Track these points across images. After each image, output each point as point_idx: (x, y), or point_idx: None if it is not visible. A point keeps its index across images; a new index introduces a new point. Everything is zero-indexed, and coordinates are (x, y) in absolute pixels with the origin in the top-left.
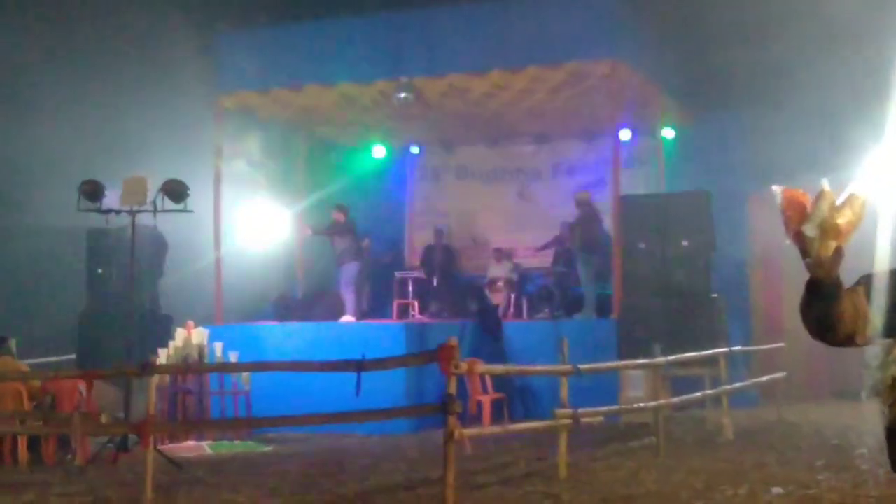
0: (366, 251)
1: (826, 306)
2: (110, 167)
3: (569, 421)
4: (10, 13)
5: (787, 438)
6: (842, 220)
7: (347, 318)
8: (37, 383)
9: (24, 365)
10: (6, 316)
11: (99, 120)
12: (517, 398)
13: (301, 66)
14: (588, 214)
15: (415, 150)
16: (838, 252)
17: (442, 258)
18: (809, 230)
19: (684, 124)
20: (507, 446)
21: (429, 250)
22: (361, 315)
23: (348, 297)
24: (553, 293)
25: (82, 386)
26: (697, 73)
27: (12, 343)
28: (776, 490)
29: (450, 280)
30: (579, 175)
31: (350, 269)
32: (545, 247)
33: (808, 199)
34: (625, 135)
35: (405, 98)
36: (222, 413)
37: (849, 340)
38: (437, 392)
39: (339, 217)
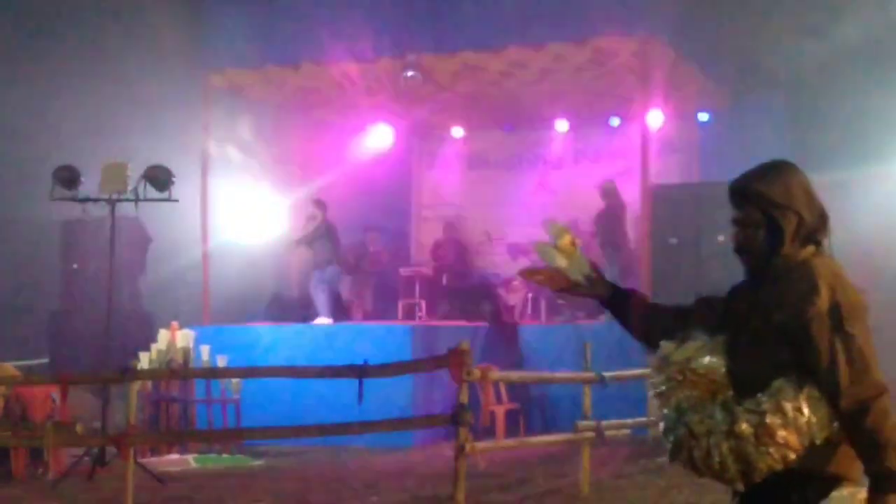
0: (369, 245)
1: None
2: (87, 152)
3: (592, 434)
4: None
5: None
6: (559, 261)
7: (322, 321)
8: (2, 389)
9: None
10: None
11: (74, 99)
12: (535, 408)
13: (297, 41)
14: (614, 206)
15: (422, 134)
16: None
17: (452, 254)
18: (575, 274)
19: (721, 107)
20: (524, 461)
21: (438, 246)
22: (363, 315)
23: (319, 298)
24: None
25: (55, 393)
26: (736, 51)
27: None
28: None
29: (461, 278)
30: (605, 163)
31: (326, 273)
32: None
33: (550, 259)
34: (656, 119)
35: (412, 77)
36: (209, 423)
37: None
38: (446, 401)
39: (316, 214)
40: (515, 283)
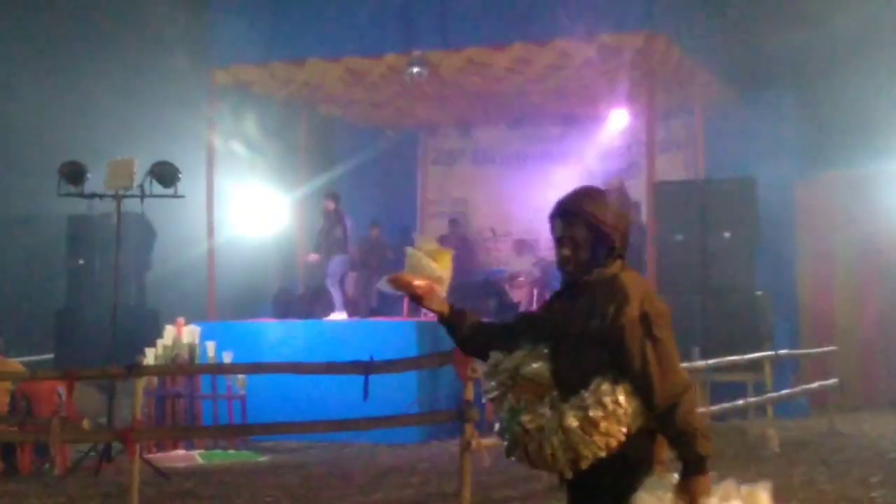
0: (375, 241)
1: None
2: (94, 148)
3: None
4: None
5: (838, 452)
6: (439, 272)
7: (337, 316)
8: (8, 385)
9: (17, 364)
10: None
11: (81, 96)
12: None
13: (303, 37)
14: (621, 203)
15: (428, 130)
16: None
17: (458, 250)
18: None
19: (726, 104)
20: None
21: (443, 242)
22: (369, 312)
23: (335, 293)
24: None
25: (61, 388)
26: (741, 48)
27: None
28: None
29: (466, 274)
30: (610, 160)
31: (336, 263)
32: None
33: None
34: (660, 115)
35: (418, 73)
36: (215, 419)
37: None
38: (452, 397)
39: (330, 206)
40: (521, 278)
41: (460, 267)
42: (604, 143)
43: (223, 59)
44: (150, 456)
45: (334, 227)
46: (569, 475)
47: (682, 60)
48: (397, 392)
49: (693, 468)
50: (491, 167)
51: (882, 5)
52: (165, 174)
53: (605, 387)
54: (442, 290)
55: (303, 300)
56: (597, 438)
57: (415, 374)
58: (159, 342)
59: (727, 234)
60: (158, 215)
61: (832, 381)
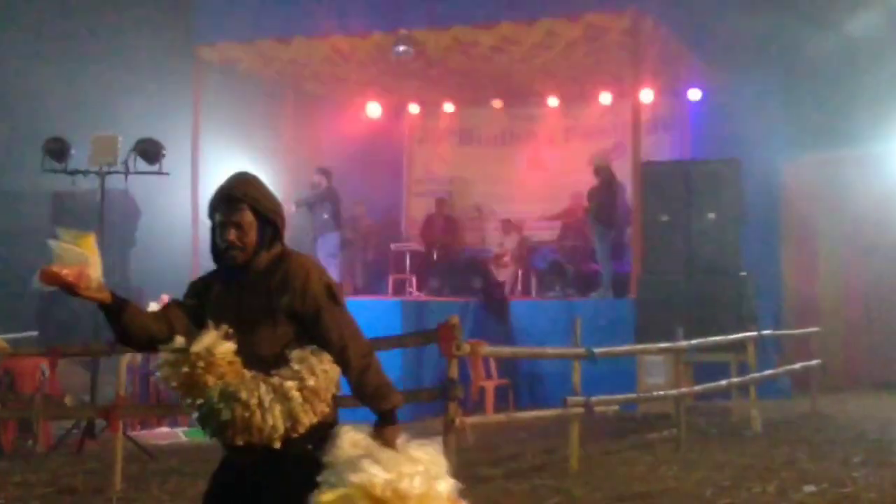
0: (359, 220)
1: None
2: (77, 124)
3: (581, 410)
4: None
5: (821, 432)
6: (86, 255)
7: None
8: None
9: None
10: None
11: (66, 72)
12: (524, 384)
13: (289, 15)
14: (607, 183)
15: (414, 109)
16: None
17: (443, 229)
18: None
19: (713, 85)
20: (513, 437)
21: (428, 221)
22: (353, 290)
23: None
24: (565, 269)
25: (45, 365)
26: (728, 29)
27: None
28: (808, 488)
29: (451, 254)
30: (596, 140)
31: (329, 241)
32: (556, 217)
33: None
34: (647, 96)
35: (404, 52)
36: None
37: (150, 346)
38: (436, 376)
39: (321, 181)
40: (506, 258)
41: (446, 246)
42: (590, 123)
43: (209, 37)
44: (134, 433)
45: (324, 203)
46: (277, 445)
47: (669, 41)
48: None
49: (388, 419)
50: (477, 147)
51: None
52: (150, 151)
53: (311, 357)
54: (95, 273)
55: None
56: (315, 404)
57: (399, 352)
58: None
59: (712, 215)
60: (143, 192)
61: (815, 361)
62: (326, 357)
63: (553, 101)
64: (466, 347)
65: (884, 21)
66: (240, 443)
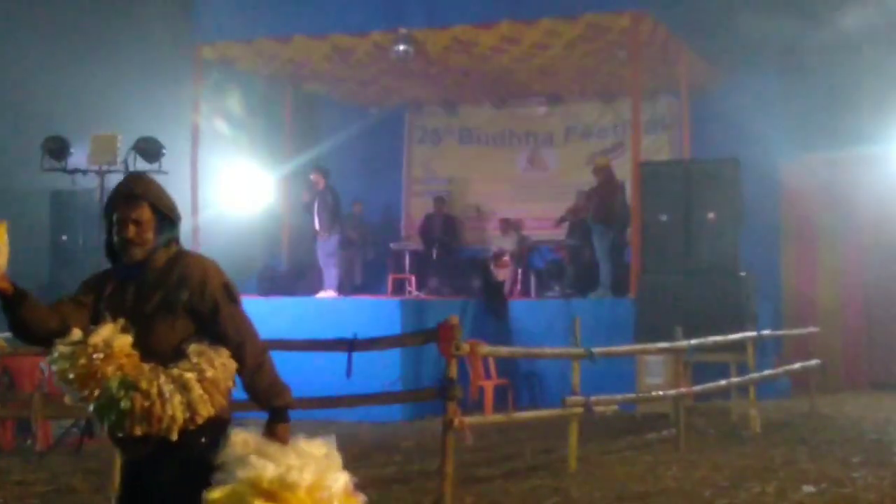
0: (357, 218)
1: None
2: (77, 123)
3: (580, 410)
4: None
5: (820, 432)
6: None
7: (326, 294)
8: None
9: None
10: None
11: (65, 71)
12: (523, 384)
13: (289, 13)
14: (607, 182)
15: (413, 109)
16: None
17: (442, 229)
18: None
19: (712, 85)
20: (512, 437)
21: (428, 220)
22: (352, 289)
23: (328, 272)
24: (564, 269)
25: (44, 363)
26: (727, 29)
27: None
28: (807, 488)
29: (451, 253)
30: (595, 139)
31: (328, 240)
32: (563, 220)
33: None
34: (646, 96)
35: (404, 51)
36: None
37: (46, 341)
38: (435, 376)
39: (318, 180)
40: (505, 258)
41: (445, 245)
42: (590, 123)
43: (208, 35)
44: None
45: (325, 202)
46: (174, 436)
47: (669, 41)
48: (381, 370)
49: (279, 417)
50: (476, 146)
51: None
52: (149, 150)
53: (210, 351)
54: (1, 261)
55: (287, 277)
56: (214, 396)
57: (398, 351)
58: None
59: (711, 215)
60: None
61: (814, 362)
62: (224, 351)
63: (552, 101)
64: (465, 347)
65: (884, 21)
66: (138, 433)
